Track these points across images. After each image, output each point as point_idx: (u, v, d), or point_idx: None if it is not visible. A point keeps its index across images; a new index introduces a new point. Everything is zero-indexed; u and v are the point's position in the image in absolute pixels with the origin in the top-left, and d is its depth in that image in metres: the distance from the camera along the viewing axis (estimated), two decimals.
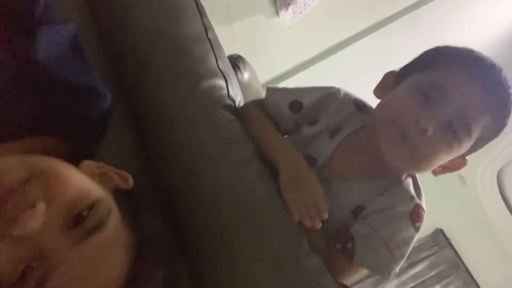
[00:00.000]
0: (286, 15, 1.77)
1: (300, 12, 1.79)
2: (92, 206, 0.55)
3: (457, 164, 0.87)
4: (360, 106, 0.93)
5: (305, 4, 1.76)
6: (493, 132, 0.82)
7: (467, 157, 0.87)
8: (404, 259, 0.83)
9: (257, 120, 0.92)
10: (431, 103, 0.78)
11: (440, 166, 0.85)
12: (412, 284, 3.94)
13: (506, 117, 0.81)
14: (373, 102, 0.93)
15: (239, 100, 0.97)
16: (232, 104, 0.90)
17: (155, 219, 0.67)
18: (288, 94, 0.94)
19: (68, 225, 0.52)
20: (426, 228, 4.11)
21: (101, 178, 0.64)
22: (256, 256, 0.72)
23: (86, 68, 0.74)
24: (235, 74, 1.12)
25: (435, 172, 0.87)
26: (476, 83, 0.77)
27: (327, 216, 0.78)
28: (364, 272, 0.82)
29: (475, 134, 0.79)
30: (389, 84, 0.89)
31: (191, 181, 0.72)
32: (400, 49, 2.34)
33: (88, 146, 0.76)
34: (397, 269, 0.82)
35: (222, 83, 0.88)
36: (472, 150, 0.85)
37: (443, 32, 2.46)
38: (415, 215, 0.83)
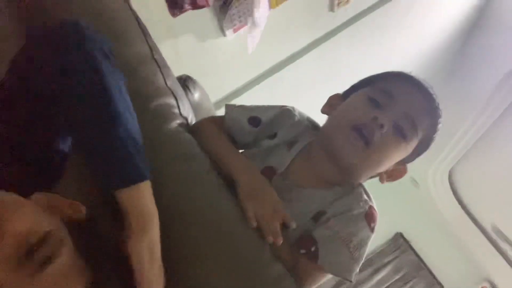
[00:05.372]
0: (227, 30, 1.80)
1: (242, 27, 1.82)
2: (44, 238, 0.54)
3: (399, 171, 0.97)
4: (313, 123, 1.00)
5: (246, 19, 1.79)
6: (430, 135, 0.93)
7: (415, 161, 0.98)
8: (363, 259, 0.86)
9: (212, 135, 0.94)
10: (382, 106, 0.87)
11: (386, 173, 0.95)
12: None
13: (439, 119, 0.93)
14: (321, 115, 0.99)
15: (191, 118, 0.97)
16: (185, 121, 0.91)
17: (109, 244, 0.67)
18: (247, 110, 0.98)
19: (20, 260, 0.52)
20: (386, 233, 4.23)
21: (52, 210, 0.63)
22: (218, 266, 0.72)
23: None
24: (186, 95, 1.13)
25: (382, 179, 0.96)
26: (417, 90, 0.90)
27: (294, 226, 0.81)
28: (327, 276, 0.85)
29: (420, 134, 0.90)
30: (335, 103, 0.98)
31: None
32: (343, 60, 2.44)
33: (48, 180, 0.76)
34: (358, 270, 0.85)
35: (172, 101, 0.89)
36: (413, 155, 0.95)
37: (381, 42, 2.58)
38: (370, 216, 0.88)
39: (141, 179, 0.69)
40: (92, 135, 0.69)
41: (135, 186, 0.68)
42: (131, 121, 0.73)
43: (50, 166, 0.77)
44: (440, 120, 0.93)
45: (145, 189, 0.70)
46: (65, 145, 0.78)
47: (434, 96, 0.91)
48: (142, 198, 0.69)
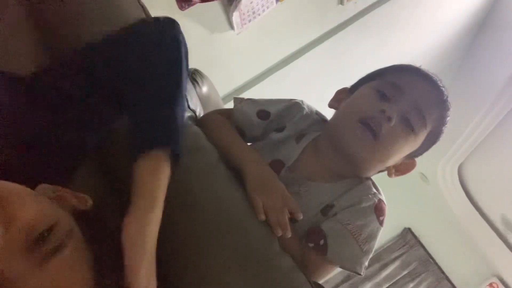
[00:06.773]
0: (235, 24, 1.79)
1: (249, 21, 1.81)
2: (51, 228, 0.54)
3: (408, 165, 0.96)
4: (321, 116, 1.00)
5: (254, 13, 1.79)
6: (439, 127, 0.92)
7: (425, 157, 0.97)
8: (372, 253, 0.86)
9: (220, 128, 0.95)
10: (389, 99, 0.87)
11: (394, 167, 0.94)
12: (387, 285, 4.00)
13: (447, 112, 0.92)
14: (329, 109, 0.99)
15: (199, 111, 0.98)
16: (193, 114, 0.91)
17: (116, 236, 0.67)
18: (256, 104, 0.98)
19: (28, 248, 0.52)
20: (394, 228, 4.22)
21: (59, 201, 0.64)
22: (228, 257, 0.72)
23: None
24: (194, 88, 1.13)
25: (390, 173, 0.95)
26: (425, 82, 0.90)
27: (301, 217, 0.81)
28: (336, 269, 0.85)
29: (429, 126, 0.89)
30: (342, 97, 0.97)
31: None
32: (352, 55, 2.42)
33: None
34: (367, 263, 0.85)
35: None
36: (422, 149, 0.94)
37: (390, 37, 2.56)
38: (379, 209, 0.88)
39: (178, 149, 0.75)
40: (155, 106, 0.78)
41: (164, 154, 0.72)
42: (184, 111, 0.82)
43: (71, 157, 0.77)
44: (449, 112, 0.92)
45: (166, 168, 0.73)
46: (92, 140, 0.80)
47: (443, 88, 0.91)
48: (159, 176, 0.71)
